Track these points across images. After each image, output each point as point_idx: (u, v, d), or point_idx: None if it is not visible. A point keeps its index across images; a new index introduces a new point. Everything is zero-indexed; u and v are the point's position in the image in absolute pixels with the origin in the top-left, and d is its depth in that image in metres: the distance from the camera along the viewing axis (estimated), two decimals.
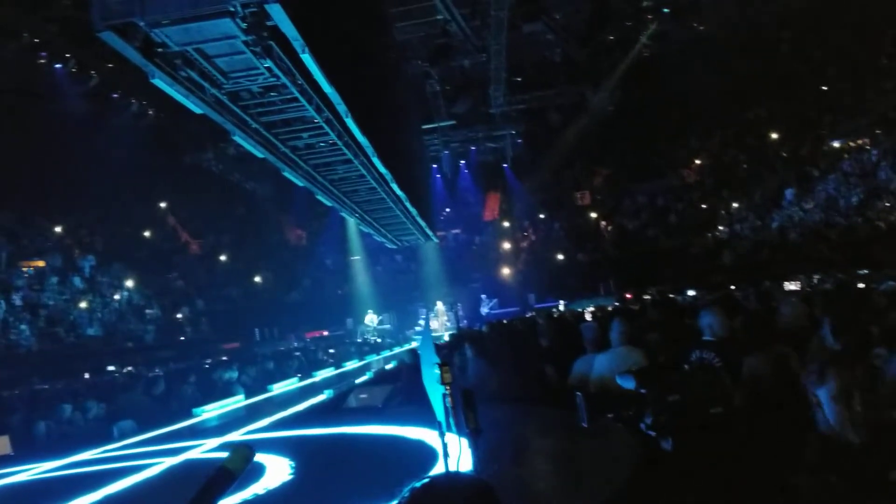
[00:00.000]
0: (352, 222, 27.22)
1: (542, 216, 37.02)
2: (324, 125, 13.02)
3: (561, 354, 7.95)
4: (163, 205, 33.88)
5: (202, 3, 8.27)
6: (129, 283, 28.61)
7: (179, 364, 20.84)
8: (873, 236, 21.89)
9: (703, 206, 31.84)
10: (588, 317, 13.92)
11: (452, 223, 38.40)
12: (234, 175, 34.94)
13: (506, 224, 37.53)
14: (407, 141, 20.92)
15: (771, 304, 9.38)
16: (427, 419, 6.50)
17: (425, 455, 5.80)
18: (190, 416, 12.33)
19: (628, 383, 4.15)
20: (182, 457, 8.31)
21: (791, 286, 18.05)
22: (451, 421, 2.92)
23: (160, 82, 9.71)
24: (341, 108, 11.74)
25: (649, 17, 28.41)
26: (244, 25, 8.64)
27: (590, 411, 3.90)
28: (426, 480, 1.44)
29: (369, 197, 19.83)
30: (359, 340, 28.49)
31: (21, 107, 22.76)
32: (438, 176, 37.27)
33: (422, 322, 30.57)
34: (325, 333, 30.25)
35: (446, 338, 16.39)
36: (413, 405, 8.19)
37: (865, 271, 18.32)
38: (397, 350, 23.62)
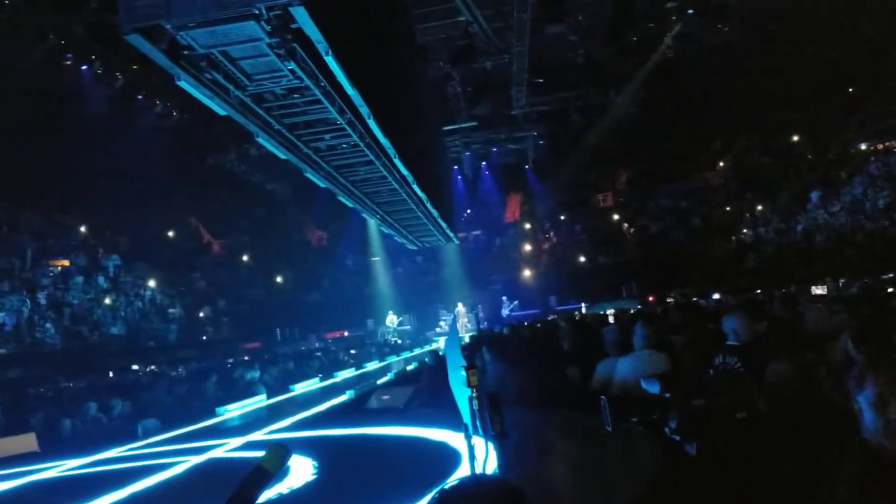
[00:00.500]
0: (373, 223, 27.29)
1: (563, 218, 36.87)
2: (346, 127, 13.08)
3: (583, 357, 7.91)
4: (186, 205, 34.16)
5: (227, 6, 8.33)
6: (153, 283, 28.93)
7: (202, 363, 21.02)
8: None
9: (727, 208, 31.56)
10: (610, 320, 13.84)
11: (473, 225, 38.37)
12: (256, 176, 35.18)
13: (527, 226, 37.45)
14: (428, 142, 20.94)
15: (796, 308, 9.29)
16: (449, 421, 6.52)
17: (448, 457, 5.80)
18: (213, 414, 12.44)
19: (653, 387, 4.12)
20: (206, 455, 8.39)
21: (817, 290, 17.84)
22: (478, 423, 2.92)
23: (185, 84, 9.82)
24: (363, 109, 11.79)
25: (673, 18, 28.19)
26: (268, 28, 8.71)
27: (614, 415, 3.88)
28: (455, 482, 1.45)
29: (390, 198, 19.88)
30: (379, 341, 28.55)
31: (47, 108, 23.04)
32: (459, 177, 37.24)
33: (442, 324, 30.55)
34: (346, 334, 30.36)
35: (466, 339, 16.38)
36: (434, 407, 8.20)
37: (892, 275, 18.08)
38: (417, 351, 23.65)
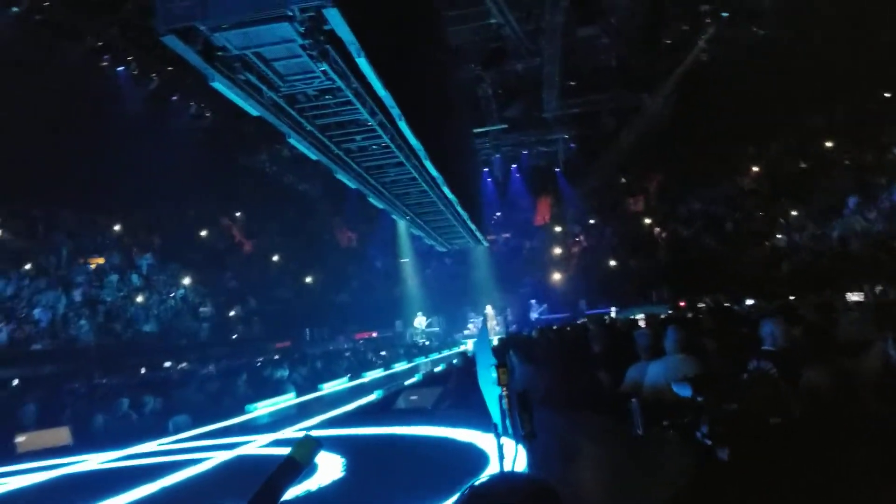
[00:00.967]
0: (402, 225, 27.35)
1: (593, 221, 36.62)
2: (377, 128, 13.12)
3: (613, 361, 7.86)
4: (218, 206, 34.53)
5: (261, 7, 8.41)
6: (185, 282, 29.29)
7: (232, 361, 21.23)
8: None
9: (761, 213, 31.11)
10: (641, 324, 13.73)
11: (503, 227, 38.28)
12: (287, 177, 35.46)
13: (557, 229, 37.25)
14: (459, 144, 20.94)
15: (831, 315, 9.12)
16: (477, 422, 6.51)
17: (476, 457, 5.79)
18: (243, 412, 12.58)
19: (684, 391, 4.07)
20: (235, 452, 8.47)
21: (853, 297, 17.50)
22: (507, 423, 2.90)
23: (219, 85, 9.91)
24: (395, 111, 11.81)
25: (707, 20, 27.91)
26: (301, 29, 8.77)
27: (644, 419, 3.84)
28: (486, 478, 1.44)
29: (420, 200, 19.90)
30: (408, 342, 28.61)
31: (83, 108, 23.41)
32: (489, 180, 37.20)
33: (471, 326, 30.53)
34: (374, 335, 30.47)
35: (495, 342, 16.34)
36: (463, 408, 8.20)
37: None
38: (446, 353, 23.66)
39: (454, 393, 10.17)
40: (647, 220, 34.93)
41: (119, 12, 21.61)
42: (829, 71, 27.93)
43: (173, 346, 24.73)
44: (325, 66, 9.83)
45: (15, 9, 20.04)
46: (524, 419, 2.90)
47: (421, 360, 22.61)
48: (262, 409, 13.11)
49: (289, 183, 35.97)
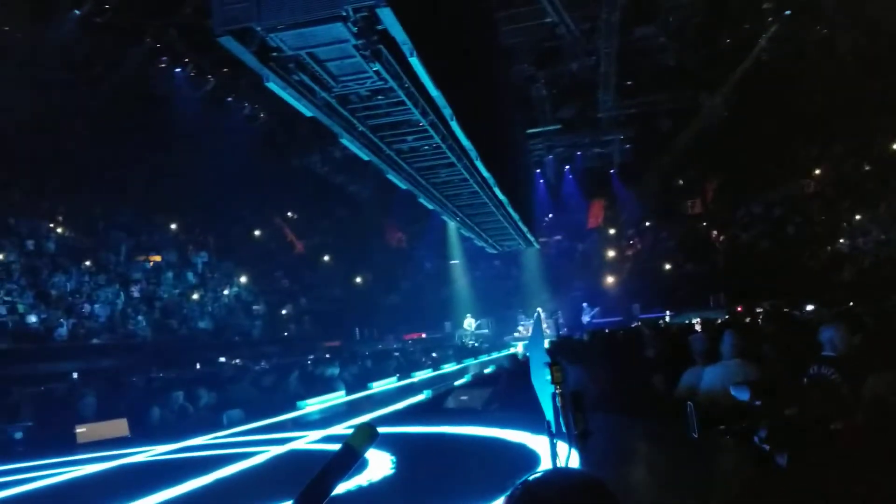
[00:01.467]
0: (452, 226, 27.34)
1: (649, 224, 36.07)
2: (429, 128, 13.12)
3: (668, 366, 7.72)
4: (271, 206, 35.07)
5: (315, 8, 8.47)
6: (239, 280, 29.83)
7: (284, 359, 21.52)
8: None
9: (823, 217, 30.23)
10: (697, 329, 13.46)
11: (554, 229, 37.96)
12: (338, 177, 35.81)
13: (610, 231, 36.79)
14: (511, 145, 20.85)
15: (894, 322, 8.81)
16: (528, 423, 6.45)
17: (527, 458, 5.74)
18: (294, 408, 12.73)
19: (742, 394, 3.96)
20: (287, 447, 8.56)
21: None
22: (560, 421, 2.84)
23: (274, 86, 10.03)
24: (447, 111, 11.80)
25: (770, 19, 27.23)
26: (355, 30, 8.82)
27: (700, 422, 3.74)
28: (540, 473, 1.39)
29: (471, 201, 19.86)
30: (457, 344, 28.60)
31: (142, 109, 24.01)
32: (542, 181, 36.94)
33: (521, 328, 30.34)
34: (424, 336, 30.54)
35: (545, 346, 16.18)
36: (512, 409, 8.13)
37: None
38: (495, 355, 23.57)
39: (504, 394, 10.10)
40: (705, 224, 34.26)
41: (176, 14, 22.08)
42: (894, 70, 27.02)
43: (227, 342, 25.20)
44: (377, 66, 9.86)
45: (76, 12, 20.64)
46: (578, 418, 2.84)
47: (470, 362, 22.59)
48: (312, 405, 13.25)
49: (340, 184, 36.34)
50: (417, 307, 32.54)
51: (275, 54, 9.54)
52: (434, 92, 10.83)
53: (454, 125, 12.47)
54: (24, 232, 22.59)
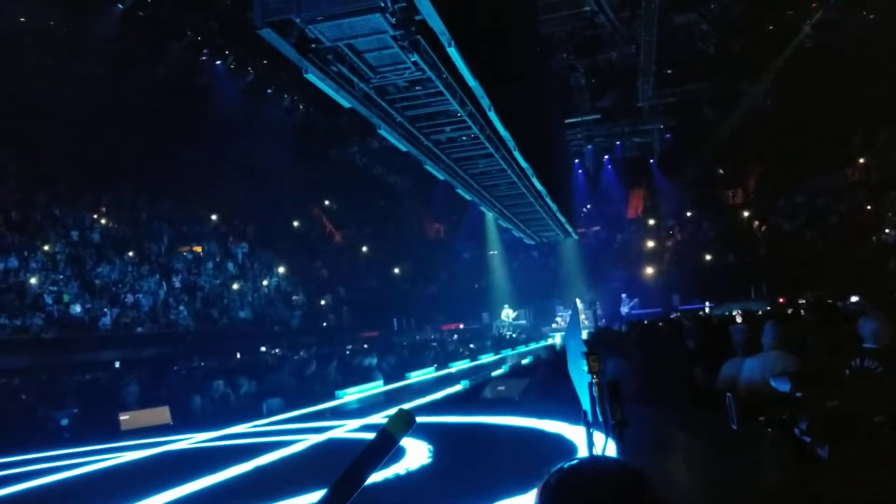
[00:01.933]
0: (490, 217, 27.30)
1: (689, 214, 35.56)
2: (466, 119, 13.11)
3: (707, 357, 7.63)
4: (310, 197, 35.35)
5: None
6: (278, 270, 30.16)
7: (323, 349, 21.72)
8: None
9: (868, 207, 29.50)
10: (738, 320, 13.27)
11: (593, 220, 37.67)
12: (376, 168, 35.97)
13: (650, 222, 36.37)
14: (549, 135, 20.72)
15: None
16: (565, 414, 6.43)
17: (564, 447, 5.73)
18: (332, 397, 12.86)
19: (783, 386, 3.92)
20: (325, 435, 8.66)
21: None
22: (597, 411, 2.84)
23: (313, 77, 10.12)
24: (484, 101, 11.78)
25: (814, 4, 26.59)
26: (393, 21, 8.86)
27: (740, 413, 3.71)
28: (574, 461, 1.39)
29: (509, 191, 19.81)
30: (495, 335, 28.58)
31: (184, 101, 24.34)
32: (580, 171, 36.67)
33: (559, 320, 30.20)
34: (461, 326, 30.57)
35: (584, 337, 16.08)
36: (550, 400, 8.11)
37: None
38: (533, 346, 23.50)
39: (541, 385, 10.08)
40: (747, 214, 33.69)
41: (217, 7, 22.33)
42: None
43: (267, 332, 25.50)
44: (415, 57, 9.88)
45: (120, 6, 21.01)
46: (615, 408, 2.83)
47: (508, 353, 22.56)
48: (351, 395, 13.38)
49: (378, 175, 36.49)
50: (455, 298, 32.57)
51: (314, 46, 9.62)
52: (472, 82, 10.82)
53: (492, 115, 12.45)
54: (69, 223, 23.08)
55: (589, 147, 35.89)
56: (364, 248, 36.53)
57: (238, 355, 20.87)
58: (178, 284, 24.50)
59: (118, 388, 13.19)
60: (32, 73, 20.97)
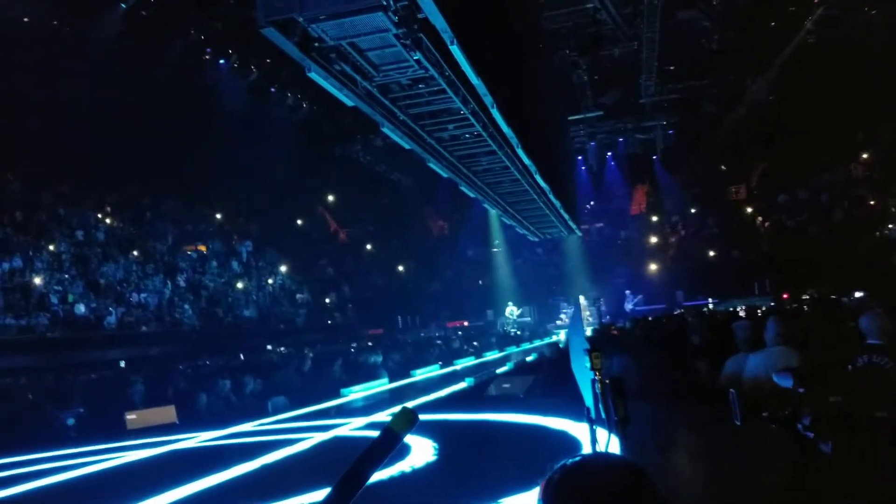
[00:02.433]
0: (494, 214, 27.31)
1: (693, 211, 35.54)
2: (469, 116, 13.12)
3: (711, 353, 7.65)
4: (314, 195, 35.38)
5: None
6: (282, 269, 30.20)
7: (328, 346, 21.74)
8: None
9: (872, 202, 29.43)
10: (742, 316, 13.27)
11: (597, 216, 37.67)
12: (380, 166, 35.98)
13: (654, 218, 36.35)
14: (552, 132, 20.70)
15: None
16: (569, 411, 6.46)
17: (568, 444, 5.75)
18: (338, 395, 12.88)
19: (786, 381, 3.93)
20: (331, 433, 8.69)
21: None
22: (600, 408, 2.85)
23: (316, 76, 10.12)
24: (487, 99, 11.78)
25: (815, 0, 26.52)
26: (396, 19, 8.86)
27: (743, 409, 3.72)
28: (577, 457, 1.41)
29: (513, 188, 19.80)
30: (499, 332, 28.61)
31: (187, 100, 24.36)
32: (584, 168, 36.63)
33: (563, 316, 30.22)
34: (466, 324, 30.60)
35: (588, 334, 16.11)
36: (555, 397, 8.14)
37: None
38: (537, 343, 23.52)
39: (546, 382, 10.11)
40: (750, 210, 33.66)
41: (220, 6, 22.35)
42: None
43: (272, 330, 25.54)
44: (418, 56, 9.90)
45: (123, 5, 21.04)
46: (618, 405, 2.85)
47: (512, 350, 22.58)
48: (356, 393, 13.41)
49: (382, 172, 36.50)
50: (459, 295, 32.62)
51: (317, 44, 9.63)
52: (475, 80, 10.82)
53: (495, 113, 12.45)
54: (74, 223, 23.14)
55: (592, 144, 35.85)
56: (368, 246, 36.59)
57: (242, 355, 20.89)
58: (182, 283, 24.56)
59: (124, 387, 13.23)
60: (36, 72, 21.02)
